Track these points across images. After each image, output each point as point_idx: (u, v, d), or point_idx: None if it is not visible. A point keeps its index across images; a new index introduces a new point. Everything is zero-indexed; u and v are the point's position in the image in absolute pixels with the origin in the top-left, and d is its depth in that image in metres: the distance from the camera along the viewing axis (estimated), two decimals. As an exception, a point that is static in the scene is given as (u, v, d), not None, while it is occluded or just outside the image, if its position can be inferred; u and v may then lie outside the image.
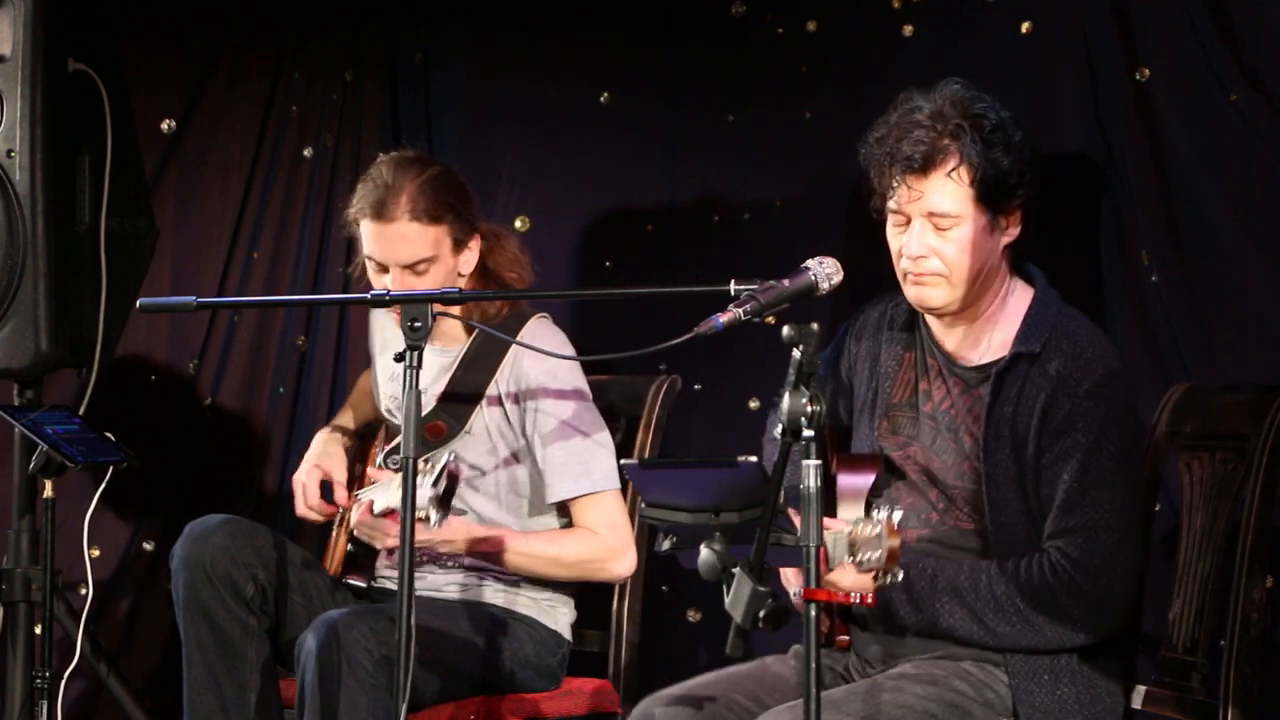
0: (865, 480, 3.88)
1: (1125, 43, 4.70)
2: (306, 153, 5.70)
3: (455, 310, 4.09)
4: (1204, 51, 4.55)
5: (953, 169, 3.78)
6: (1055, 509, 3.74)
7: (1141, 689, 3.95)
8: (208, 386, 5.68)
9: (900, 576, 3.39)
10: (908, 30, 5.03)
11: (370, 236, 4.36)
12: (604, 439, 4.45)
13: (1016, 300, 3.90)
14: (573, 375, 4.44)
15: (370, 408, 4.78)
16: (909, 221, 3.82)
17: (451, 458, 3.97)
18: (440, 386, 4.48)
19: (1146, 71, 4.67)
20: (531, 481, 4.46)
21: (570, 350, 4.47)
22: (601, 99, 5.45)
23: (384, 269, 4.37)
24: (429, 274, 4.34)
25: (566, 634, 4.52)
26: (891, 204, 3.84)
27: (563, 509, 4.46)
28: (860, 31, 5.12)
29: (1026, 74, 4.87)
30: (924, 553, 3.81)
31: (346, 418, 4.79)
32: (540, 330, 4.49)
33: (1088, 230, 4.77)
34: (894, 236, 3.86)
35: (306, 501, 4.53)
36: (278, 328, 5.70)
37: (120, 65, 5.09)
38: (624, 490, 4.44)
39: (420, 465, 3.88)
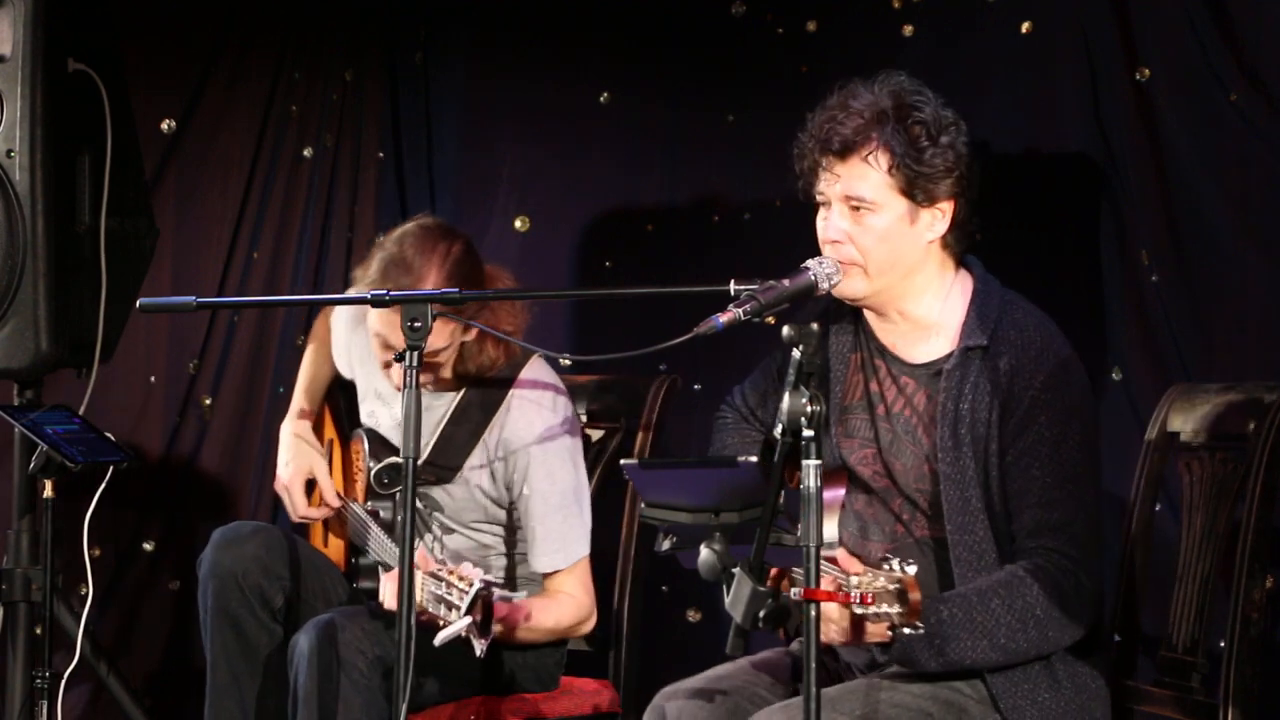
0: (835, 495, 3.83)
1: (1125, 43, 4.70)
2: (306, 153, 5.70)
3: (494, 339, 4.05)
4: (1204, 51, 4.55)
5: (869, 154, 3.73)
6: (1030, 505, 3.69)
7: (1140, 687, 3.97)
8: (208, 386, 5.69)
9: (920, 630, 3.35)
10: (908, 30, 5.03)
11: (385, 320, 4.15)
12: (585, 506, 4.38)
13: (960, 294, 3.83)
14: (562, 439, 4.35)
15: (331, 370, 4.63)
16: (831, 206, 3.80)
17: (481, 585, 3.87)
18: (431, 438, 4.38)
19: (1146, 71, 4.67)
20: (509, 537, 4.44)
21: (565, 399, 4.38)
22: (601, 99, 5.45)
23: (391, 349, 4.17)
24: (444, 354, 4.22)
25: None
26: (816, 188, 3.82)
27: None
28: (860, 31, 5.12)
29: (1026, 74, 4.87)
30: (932, 595, 3.73)
31: (309, 393, 4.63)
32: (539, 374, 4.38)
33: (1088, 230, 4.78)
34: (819, 222, 3.84)
35: (297, 511, 4.51)
36: (278, 328, 5.70)
37: (120, 65, 5.08)
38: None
39: (449, 592, 3.87)
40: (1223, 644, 3.78)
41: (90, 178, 4.96)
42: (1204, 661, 3.86)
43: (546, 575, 4.39)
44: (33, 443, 4.73)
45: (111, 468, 4.84)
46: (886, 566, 3.33)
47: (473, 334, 4.27)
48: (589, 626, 4.44)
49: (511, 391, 4.36)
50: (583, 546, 4.38)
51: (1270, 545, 3.79)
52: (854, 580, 3.37)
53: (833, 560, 3.61)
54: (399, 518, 4.36)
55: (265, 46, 5.70)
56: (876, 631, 3.52)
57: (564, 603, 4.36)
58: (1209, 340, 4.58)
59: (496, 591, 3.97)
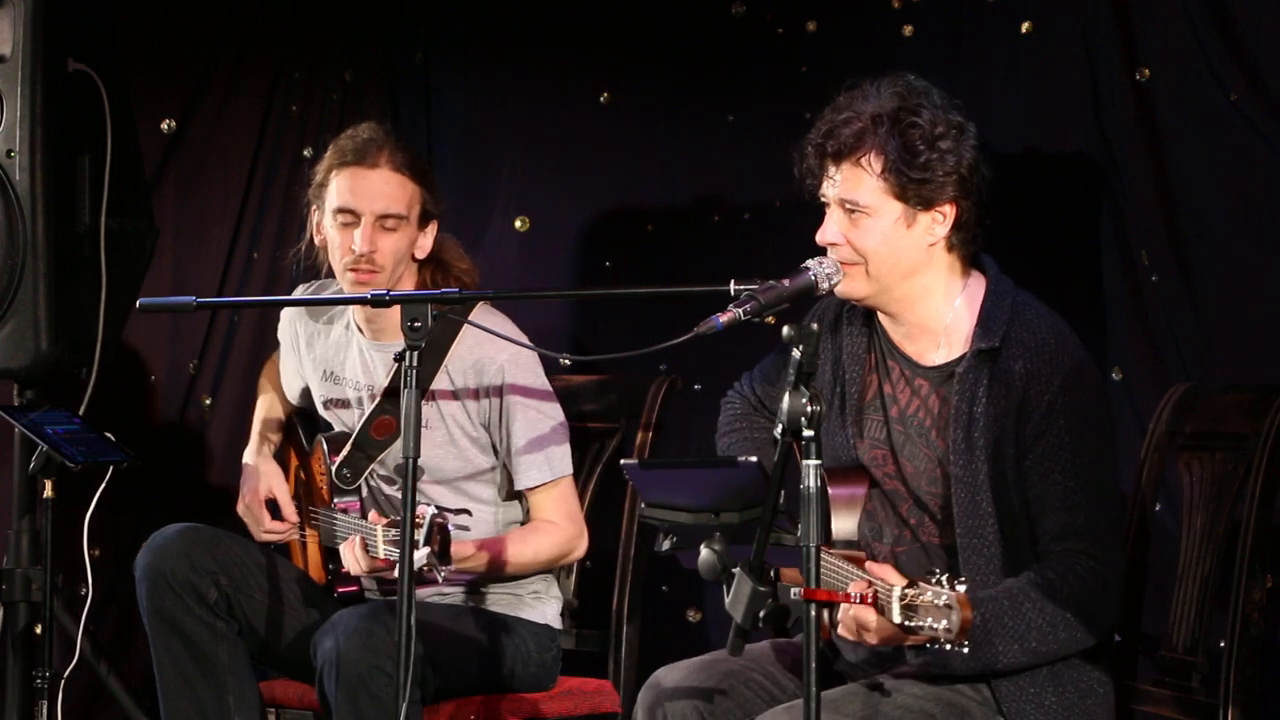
0: (856, 492, 3.83)
1: (1125, 43, 4.70)
2: (306, 153, 5.69)
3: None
4: (1204, 51, 4.55)
5: (864, 157, 3.72)
6: (1053, 510, 3.69)
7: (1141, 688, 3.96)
8: (208, 386, 5.69)
9: (966, 649, 3.33)
10: (908, 30, 5.03)
11: (347, 185, 4.35)
12: (562, 424, 4.45)
13: (972, 295, 3.83)
14: (531, 360, 4.42)
15: (285, 404, 4.75)
16: (830, 209, 3.80)
17: (435, 512, 3.96)
18: (383, 382, 4.45)
19: (1146, 71, 4.67)
20: (489, 471, 4.46)
21: (519, 332, 4.44)
22: (601, 99, 5.45)
23: (353, 222, 4.34)
24: (395, 234, 4.34)
25: (556, 624, 4.53)
26: (820, 192, 3.82)
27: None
28: (860, 31, 5.12)
29: (1026, 74, 4.87)
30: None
31: (266, 425, 4.74)
32: (488, 318, 4.41)
33: (1088, 230, 4.78)
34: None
35: (262, 527, 4.54)
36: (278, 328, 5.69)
37: (120, 65, 5.08)
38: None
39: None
40: (1223, 644, 3.78)
41: (90, 178, 4.96)
42: (1204, 661, 3.85)
43: (529, 493, 4.42)
44: (33, 443, 4.73)
45: (111, 468, 4.85)
46: (934, 580, 3.32)
47: (429, 238, 4.42)
48: (578, 553, 4.48)
49: (467, 323, 4.37)
50: (565, 464, 4.43)
51: (1270, 545, 3.79)
52: (898, 591, 3.36)
53: (859, 562, 3.60)
54: (364, 490, 4.46)
55: (265, 46, 5.70)
56: (916, 642, 3.51)
57: (545, 532, 4.42)
58: (1209, 340, 4.57)
59: (455, 522, 4.03)
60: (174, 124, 5.62)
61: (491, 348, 4.36)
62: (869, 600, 3.41)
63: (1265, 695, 3.79)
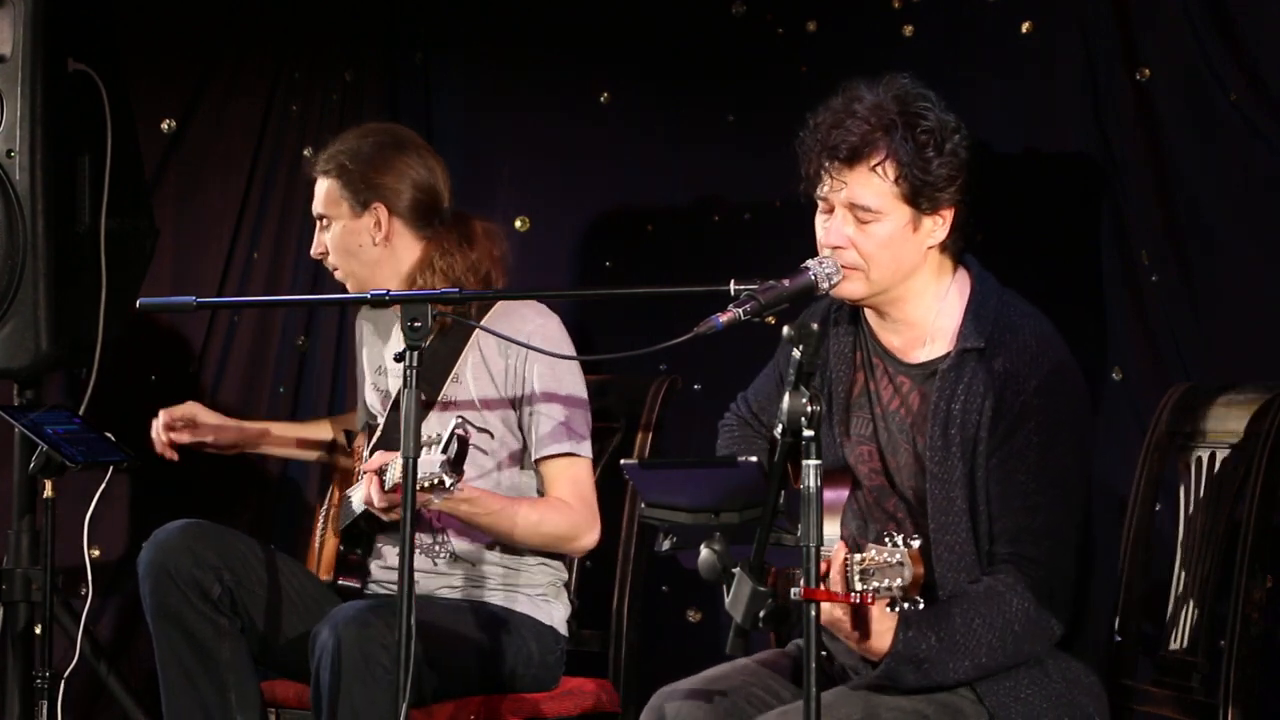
0: (838, 495, 3.82)
1: (1125, 43, 4.70)
2: (306, 153, 5.69)
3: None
4: (1204, 51, 4.56)
5: (877, 163, 3.72)
6: (1013, 509, 3.68)
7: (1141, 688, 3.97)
8: (208, 386, 5.69)
9: (920, 604, 3.35)
10: (908, 30, 5.03)
11: (319, 200, 4.56)
12: (584, 403, 4.45)
13: (958, 293, 3.82)
14: (558, 333, 4.43)
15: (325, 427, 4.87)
16: (833, 210, 3.80)
17: (458, 422, 4.00)
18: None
19: (1146, 71, 4.68)
20: (513, 441, 4.46)
21: (549, 313, 4.46)
22: (601, 99, 5.45)
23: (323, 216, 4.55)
24: (330, 231, 4.51)
25: (562, 629, 4.52)
26: (819, 192, 3.81)
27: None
28: (860, 31, 5.12)
29: (1026, 74, 4.87)
30: (920, 619, 3.67)
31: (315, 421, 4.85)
32: (515, 305, 4.45)
33: (1088, 230, 4.78)
34: (820, 224, 3.82)
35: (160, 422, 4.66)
36: (278, 328, 5.70)
37: (120, 65, 5.09)
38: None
39: (427, 436, 3.97)
40: (1223, 644, 3.78)
41: (90, 178, 4.96)
42: (1204, 661, 3.86)
43: (544, 464, 4.40)
44: (33, 443, 4.74)
45: (111, 468, 4.85)
46: (889, 542, 3.33)
47: (380, 221, 4.48)
48: (586, 541, 4.44)
49: (493, 310, 4.41)
50: (585, 446, 4.43)
51: (1270, 545, 3.79)
52: (857, 557, 3.37)
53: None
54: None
55: (265, 46, 5.70)
56: (877, 611, 3.51)
57: (555, 508, 4.39)
58: (1209, 340, 4.58)
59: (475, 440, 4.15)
60: (174, 124, 5.63)
61: (518, 320, 4.36)
62: (869, 601, 3.41)
63: (1265, 695, 3.78)
